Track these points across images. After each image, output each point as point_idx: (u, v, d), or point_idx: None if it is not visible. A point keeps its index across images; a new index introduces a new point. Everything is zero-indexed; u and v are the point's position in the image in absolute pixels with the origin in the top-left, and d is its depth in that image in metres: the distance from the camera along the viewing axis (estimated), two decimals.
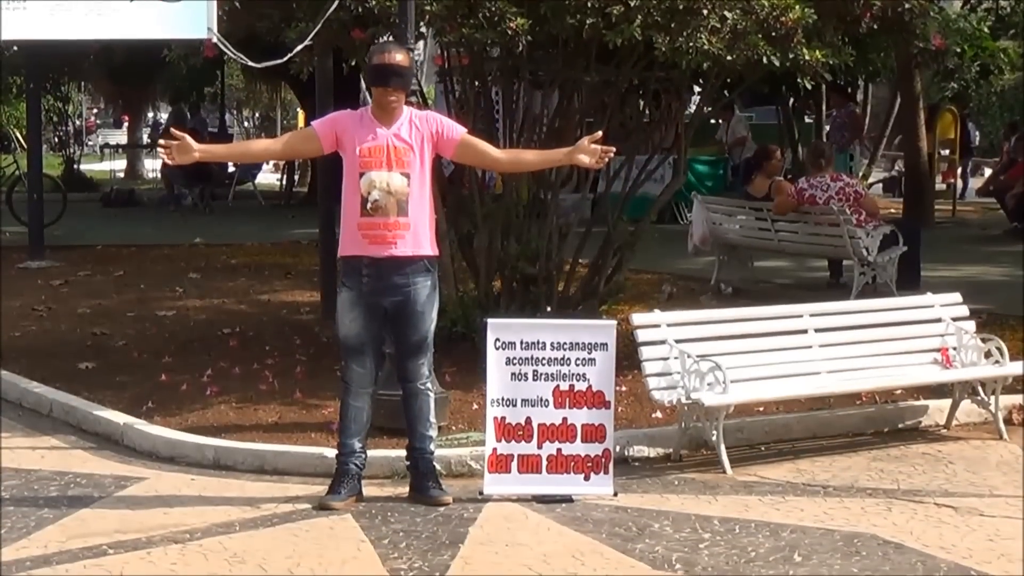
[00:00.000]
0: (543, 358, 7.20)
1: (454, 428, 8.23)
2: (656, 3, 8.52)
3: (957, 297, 9.03)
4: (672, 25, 8.54)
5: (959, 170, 25.21)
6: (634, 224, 10.67)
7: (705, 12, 8.52)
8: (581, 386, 7.22)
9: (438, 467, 7.26)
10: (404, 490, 7.21)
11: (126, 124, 40.22)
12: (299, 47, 9.05)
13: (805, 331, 8.46)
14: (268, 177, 29.71)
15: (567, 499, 7.10)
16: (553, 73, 9.84)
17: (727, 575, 6.09)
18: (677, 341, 7.90)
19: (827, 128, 23.19)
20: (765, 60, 8.64)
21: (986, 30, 21.49)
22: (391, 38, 8.17)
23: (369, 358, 7.10)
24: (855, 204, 12.52)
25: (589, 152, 7.19)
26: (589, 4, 8.59)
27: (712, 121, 21.56)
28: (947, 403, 8.77)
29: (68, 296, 13.38)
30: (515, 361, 7.19)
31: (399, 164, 6.97)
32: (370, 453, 7.28)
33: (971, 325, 8.87)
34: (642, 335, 7.90)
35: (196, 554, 6.31)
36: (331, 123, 7.22)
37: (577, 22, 8.66)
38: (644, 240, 10.67)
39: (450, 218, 10.01)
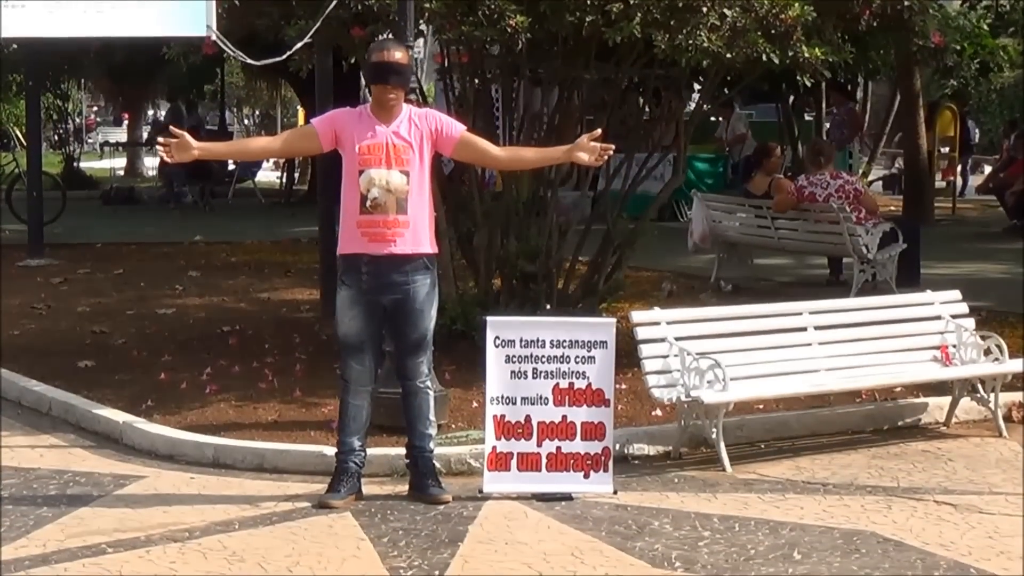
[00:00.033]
0: (543, 356, 7.20)
1: (454, 426, 8.22)
2: (655, 1, 8.51)
3: (957, 295, 9.03)
4: (671, 23, 8.54)
5: (959, 168, 25.20)
6: (634, 222, 10.66)
7: (704, 9, 8.52)
8: (581, 384, 7.21)
9: (438, 465, 7.26)
10: (404, 488, 7.21)
11: (126, 122, 40.19)
12: (298, 45, 9.05)
13: (805, 329, 8.46)
14: (268, 175, 29.71)
15: (567, 497, 7.10)
16: (553, 71, 9.84)
17: (727, 573, 6.09)
18: (677, 339, 7.90)
19: (827, 126, 23.19)
20: (764, 58, 8.64)
21: (985, 27, 21.47)
22: (390, 36, 8.17)
23: (368, 356, 7.10)
24: (855, 202, 12.53)
25: (588, 150, 7.19)
26: (588, 2, 8.59)
27: (712, 119, 21.56)
28: (947, 400, 8.77)
29: (67, 294, 13.38)
30: (515, 359, 7.18)
31: (398, 162, 6.96)
32: (370, 451, 7.28)
33: (971, 322, 8.86)
34: (642, 333, 7.90)
35: (195, 553, 6.31)
36: (330, 121, 7.21)
37: (577, 19, 8.66)
38: (644, 238, 10.66)
39: (450, 216, 10.01)
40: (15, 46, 19.16)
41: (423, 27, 9.10)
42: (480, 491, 7.14)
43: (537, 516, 6.87)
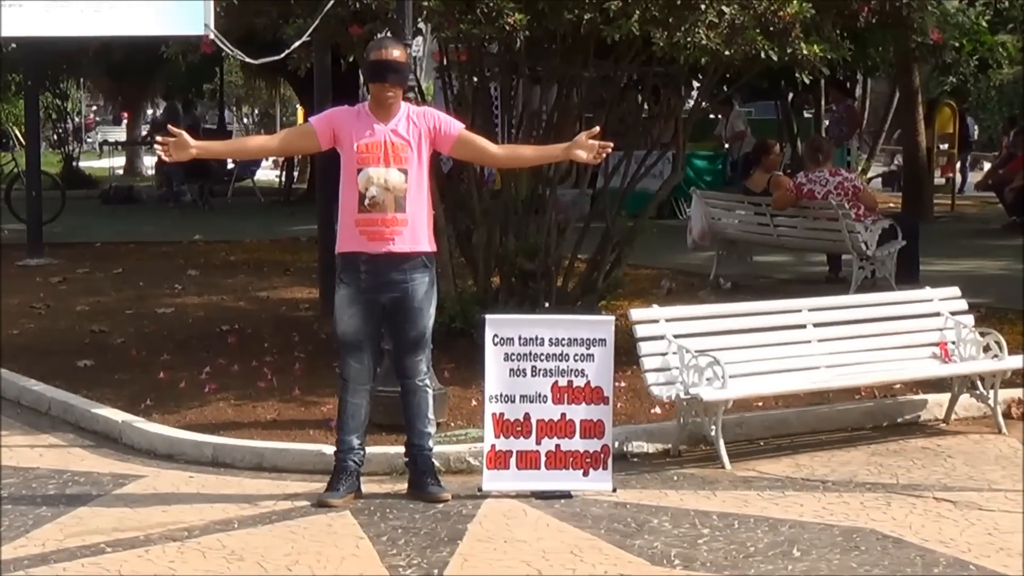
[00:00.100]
0: (541, 354, 7.20)
1: (453, 424, 8.22)
2: None
3: (956, 291, 9.03)
4: (670, 20, 8.53)
5: (958, 164, 25.17)
6: (633, 219, 10.66)
7: (703, 7, 8.51)
8: (580, 382, 7.21)
9: (437, 463, 7.26)
10: (403, 487, 7.21)
11: (125, 121, 40.18)
12: (297, 43, 9.03)
13: (804, 326, 8.46)
14: (267, 174, 29.70)
15: (566, 495, 7.10)
16: (551, 68, 9.83)
17: (726, 570, 6.08)
18: (676, 336, 7.90)
19: (826, 123, 23.18)
20: (763, 55, 8.63)
21: (984, 24, 21.39)
22: (389, 34, 8.16)
23: (367, 354, 7.09)
24: (854, 199, 12.53)
25: (587, 147, 7.19)
26: None
27: (711, 116, 21.56)
28: (946, 397, 8.77)
29: (67, 294, 13.38)
30: (513, 357, 7.18)
31: (397, 160, 6.96)
32: (369, 450, 7.28)
33: (970, 319, 8.87)
34: (641, 330, 7.90)
35: (194, 552, 6.30)
36: (328, 119, 7.21)
37: (575, 17, 8.65)
38: (643, 235, 10.66)
39: (448, 214, 10.01)
40: (14, 45, 19.13)
41: (421, 25, 9.09)
42: (479, 489, 7.13)
43: (536, 514, 6.87)
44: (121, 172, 31.72)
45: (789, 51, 8.68)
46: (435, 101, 13.07)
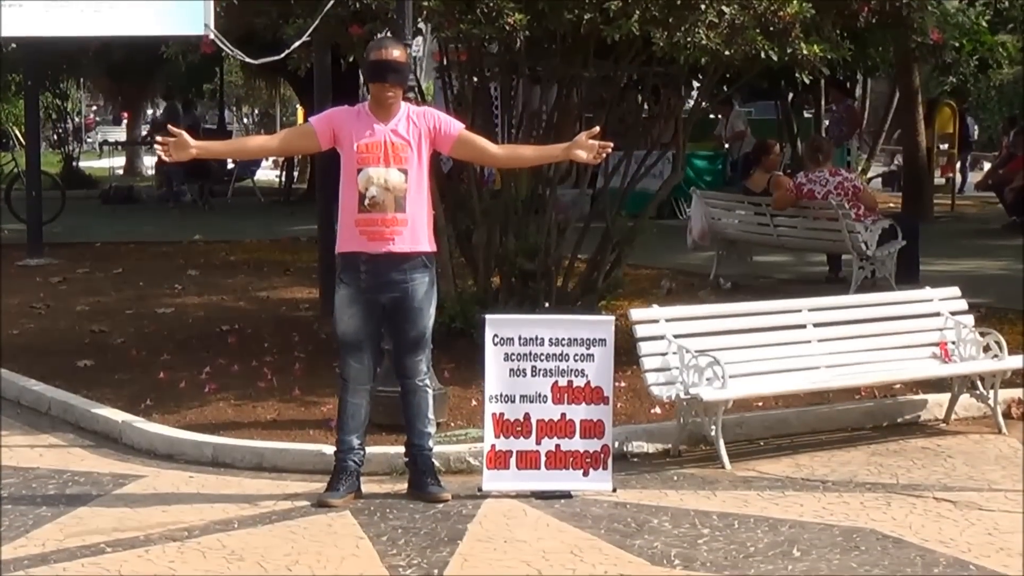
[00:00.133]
0: (541, 354, 7.20)
1: (452, 424, 8.22)
2: None
3: (956, 291, 9.03)
4: (670, 20, 8.53)
5: (958, 164, 25.17)
6: (633, 219, 10.66)
7: (703, 7, 8.51)
8: (580, 382, 7.21)
9: (437, 463, 7.26)
10: (403, 487, 7.21)
11: (125, 121, 40.18)
12: (297, 43, 9.03)
13: (804, 326, 8.46)
14: (267, 174, 29.70)
15: (566, 495, 7.10)
16: (551, 68, 9.83)
17: (726, 570, 6.08)
18: (676, 336, 7.90)
19: (826, 123, 23.18)
20: (763, 55, 8.63)
21: (984, 24, 21.39)
22: (389, 34, 8.16)
23: (367, 354, 7.09)
24: (854, 199, 12.53)
25: (587, 147, 7.19)
26: None
27: (711, 116, 21.56)
28: (946, 397, 8.76)
29: (67, 294, 13.38)
30: (513, 357, 7.18)
31: (397, 160, 6.96)
32: (369, 450, 7.28)
33: (970, 319, 8.87)
34: (641, 330, 7.90)
35: (194, 552, 6.30)
36: (328, 119, 7.21)
37: (575, 17, 8.65)
38: (643, 235, 10.66)
39: (448, 214, 10.01)
40: (14, 45, 19.13)
41: (421, 25, 9.09)
42: (479, 489, 7.13)
43: (536, 514, 6.87)
44: (121, 172, 31.71)
45: (789, 51, 8.68)
46: (435, 101, 13.07)
